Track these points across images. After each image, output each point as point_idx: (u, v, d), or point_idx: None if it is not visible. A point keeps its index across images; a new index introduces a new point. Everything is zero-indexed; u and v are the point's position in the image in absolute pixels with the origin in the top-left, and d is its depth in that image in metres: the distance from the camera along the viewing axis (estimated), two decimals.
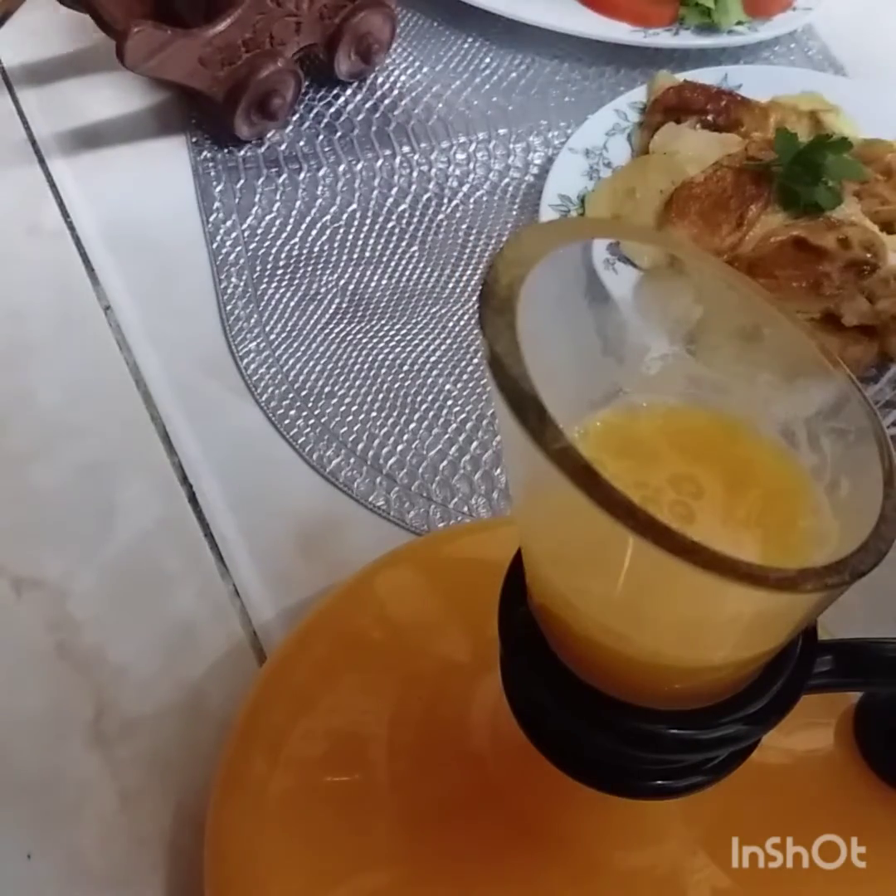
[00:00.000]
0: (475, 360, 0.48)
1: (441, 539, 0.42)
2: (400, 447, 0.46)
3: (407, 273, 0.51)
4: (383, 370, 0.48)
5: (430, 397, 0.47)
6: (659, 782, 0.25)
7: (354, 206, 0.54)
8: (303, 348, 0.49)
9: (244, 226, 0.52)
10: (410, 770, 0.33)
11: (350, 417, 0.46)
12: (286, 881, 0.32)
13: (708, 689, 0.23)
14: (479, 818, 0.30)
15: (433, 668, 0.34)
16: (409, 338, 0.49)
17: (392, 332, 0.49)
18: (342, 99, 0.57)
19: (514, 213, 0.54)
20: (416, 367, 0.48)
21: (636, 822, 0.30)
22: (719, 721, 0.23)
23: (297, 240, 0.52)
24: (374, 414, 0.47)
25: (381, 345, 0.49)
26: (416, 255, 0.52)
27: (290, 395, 0.47)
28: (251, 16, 0.50)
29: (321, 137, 0.56)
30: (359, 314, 0.50)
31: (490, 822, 0.30)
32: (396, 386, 0.48)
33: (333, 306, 0.50)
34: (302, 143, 0.56)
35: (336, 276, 0.51)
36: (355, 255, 0.52)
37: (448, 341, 0.49)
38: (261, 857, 0.32)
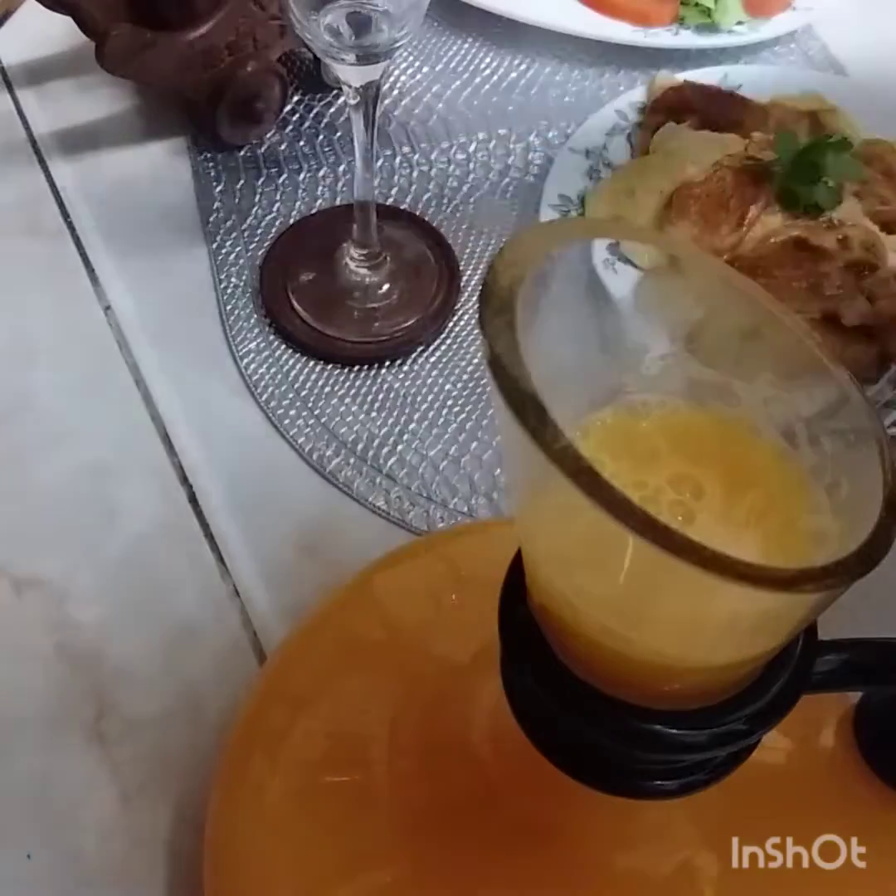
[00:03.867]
0: (475, 360, 0.48)
1: (441, 539, 0.42)
2: (400, 447, 0.46)
3: None
4: (383, 370, 0.48)
5: (430, 397, 0.47)
6: (659, 782, 0.25)
7: None
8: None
9: (244, 226, 0.52)
10: (411, 770, 0.33)
11: (350, 417, 0.46)
12: (285, 881, 0.32)
13: (708, 688, 0.23)
14: (479, 818, 0.30)
15: (433, 669, 0.34)
16: None
17: None
18: (342, 99, 0.57)
19: (514, 213, 0.54)
20: (416, 367, 0.48)
21: (636, 823, 0.30)
22: (720, 720, 0.23)
23: None
24: (373, 414, 0.47)
25: None
26: None
27: (290, 395, 0.47)
28: (234, 19, 0.50)
29: (321, 137, 0.56)
30: None
31: (490, 823, 0.30)
32: (396, 386, 0.48)
33: None
34: (302, 144, 0.56)
35: None
36: None
37: (448, 341, 0.49)
38: (260, 857, 0.32)
